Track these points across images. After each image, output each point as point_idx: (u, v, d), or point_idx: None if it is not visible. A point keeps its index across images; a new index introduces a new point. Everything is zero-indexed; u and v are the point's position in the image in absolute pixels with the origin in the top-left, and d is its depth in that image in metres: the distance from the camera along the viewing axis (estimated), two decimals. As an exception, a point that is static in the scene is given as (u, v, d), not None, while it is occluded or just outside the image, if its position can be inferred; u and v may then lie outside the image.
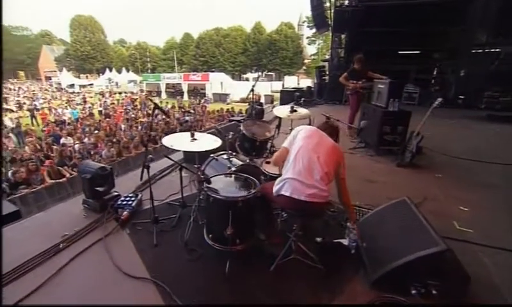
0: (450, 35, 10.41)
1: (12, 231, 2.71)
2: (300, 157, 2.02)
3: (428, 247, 1.77)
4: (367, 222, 2.49)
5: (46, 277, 2.05)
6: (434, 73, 11.23)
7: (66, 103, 22.99)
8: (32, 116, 17.38)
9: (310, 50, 50.84)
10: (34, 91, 32.44)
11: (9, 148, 9.53)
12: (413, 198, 3.01)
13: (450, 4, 9.73)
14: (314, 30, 21.52)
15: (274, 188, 2.06)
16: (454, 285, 1.78)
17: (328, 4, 12.05)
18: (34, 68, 57.23)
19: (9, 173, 6.62)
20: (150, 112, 16.73)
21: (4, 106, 21.51)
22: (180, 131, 7.77)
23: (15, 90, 33.73)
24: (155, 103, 2.36)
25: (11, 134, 11.83)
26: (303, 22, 48.45)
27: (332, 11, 11.46)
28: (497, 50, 10.22)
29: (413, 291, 1.76)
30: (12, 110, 20.78)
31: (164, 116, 11.89)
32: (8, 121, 14.81)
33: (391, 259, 1.91)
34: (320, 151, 2.03)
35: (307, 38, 48.07)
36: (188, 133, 2.38)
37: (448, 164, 4.55)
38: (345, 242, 2.38)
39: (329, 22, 11.86)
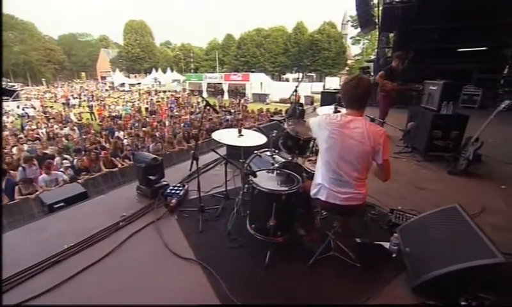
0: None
1: (81, 208, 3.20)
2: (329, 163, 1.94)
3: (481, 257, 1.66)
4: (411, 227, 2.39)
5: (111, 249, 2.38)
6: (505, 72, 9.73)
7: (117, 100, 25.43)
8: (91, 112, 19.46)
9: (354, 50, 49.01)
10: (92, 91, 36.17)
11: (74, 139, 10.83)
12: (469, 208, 2.81)
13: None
14: (359, 29, 20.58)
15: (312, 191, 2.11)
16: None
17: (374, 1, 11.47)
18: (93, 69, 64.15)
19: (74, 161, 7.56)
20: (193, 110, 17.81)
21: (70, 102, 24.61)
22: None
23: (77, 89, 38.16)
24: (206, 101, 2.54)
25: (75, 127, 13.41)
26: (347, 21, 46.88)
27: (380, 8, 10.88)
28: None
29: (463, 303, 1.66)
30: (75, 106, 23.68)
31: (206, 115, 12.44)
32: (72, 116, 16.92)
33: (436, 266, 1.83)
34: (349, 149, 1.87)
35: (351, 37, 46.34)
36: (235, 130, 2.53)
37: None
38: (386, 244, 2.33)
39: (376, 21, 11.28)
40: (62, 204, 3.25)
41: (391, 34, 11.50)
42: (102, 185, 7.20)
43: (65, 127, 13.01)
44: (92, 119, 18.21)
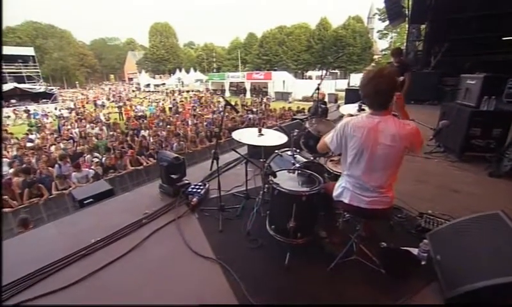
0: None
1: (108, 205, 3.33)
2: (354, 163, 1.80)
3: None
4: (443, 233, 2.19)
5: (133, 245, 2.45)
6: None
7: (143, 100, 26.56)
8: (120, 112, 20.45)
9: (381, 44, 46.96)
10: (120, 92, 38.04)
11: (103, 138, 11.44)
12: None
13: None
14: (387, 22, 19.68)
15: (334, 193, 2.01)
16: None
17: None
18: (121, 71, 67.66)
19: (103, 159, 7.97)
20: (215, 109, 18.07)
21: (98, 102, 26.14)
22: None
23: (106, 91, 40.43)
24: (226, 100, 2.53)
25: (104, 127, 14.16)
26: (374, 15, 45.12)
27: (410, -1, 10.28)
28: None
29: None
30: (104, 106, 25.11)
31: (227, 113, 12.57)
32: (101, 116, 17.91)
33: (476, 278, 1.66)
34: (378, 156, 1.71)
35: (378, 31, 44.38)
36: (255, 129, 2.49)
37: None
38: (414, 251, 2.17)
39: (406, 12, 10.67)
40: (91, 200, 3.42)
41: (422, 26, 10.83)
42: (127, 182, 7.53)
43: (96, 127, 13.78)
44: (120, 119, 19.11)
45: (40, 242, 2.62)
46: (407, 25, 11.58)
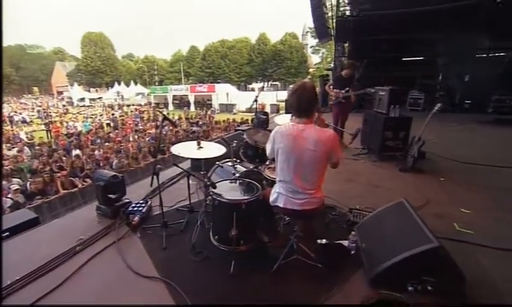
0: (454, 40, 10.35)
1: (33, 235, 2.94)
2: (284, 169, 1.98)
3: (421, 244, 1.85)
4: (366, 224, 2.58)
5: (64, 277, 2.21)
6: (439, 78, 11.26)
7: (76, 116, 23.88)
8: (48, 130, 17.95)
9: (315, 59, 51.48)
10: (47, 107, 33.56)
11: (25, 160, 9.93)
12: (417, 201, 3.11)
13: (453, 11, 9.48)
14: (317, 40, 21.78)
15: (270, 198, 2.16)
16: (448, 282, 1.83)
17: (329, 14, 12.35)
18: (47, 84, 59.60)
19: (27, 184, 6.92)
20: (159, 123, 17.28)
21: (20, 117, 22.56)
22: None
23: (27, 104, 35.17)
24: (163, 115, 2.53)
25: (25, 147, 12.29)
26: (307, 32, 49.33)
27: (334, 21, 11.71)
28: (502, 54, 10.27)
29: (410, 288, 1.83)
30: (26, 123, 21.76)
31: (171, 127, 12.21)
32: (22, 135, 15.51)
33: (387, 257, 1.99)
34: (304, 161, 1.92)
35: (311, 47, 48.71)
36: (195, 142, 2.54)
37: (453, 168, 4.56)
38: (345, 243, 2.47)
39: (331, 32, 12.11)
40: (7, 234, 2.95)
41: (346, 44, 12.38)
42: (59, 207, 6.69)
43: (15, 147, 11.88)
44: (48, 137, 16.80)
45: None
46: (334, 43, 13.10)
